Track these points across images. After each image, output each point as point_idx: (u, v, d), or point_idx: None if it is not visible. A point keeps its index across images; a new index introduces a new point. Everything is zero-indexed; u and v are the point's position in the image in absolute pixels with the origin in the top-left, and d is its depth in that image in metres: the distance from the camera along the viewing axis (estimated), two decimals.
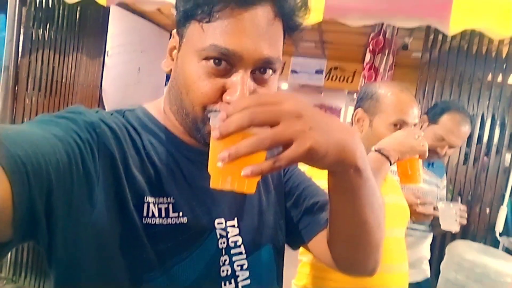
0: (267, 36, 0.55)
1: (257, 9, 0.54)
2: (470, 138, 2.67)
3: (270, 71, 0.57)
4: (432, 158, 1.70)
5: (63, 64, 2.86)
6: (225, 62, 0.54)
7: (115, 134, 0.55)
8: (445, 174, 1.94)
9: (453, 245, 1.75)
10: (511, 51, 2.48)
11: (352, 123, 1.32)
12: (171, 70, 0.62)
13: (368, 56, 2.79)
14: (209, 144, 0.47)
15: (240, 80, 0.53)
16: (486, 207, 2.66)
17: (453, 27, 1.58)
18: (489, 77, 2.55)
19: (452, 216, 1.54)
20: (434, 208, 1.59)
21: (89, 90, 3.02)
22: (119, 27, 3.38)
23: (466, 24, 1.59)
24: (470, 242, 2.01)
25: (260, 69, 0.56)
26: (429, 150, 1.66)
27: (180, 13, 0.56)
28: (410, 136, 1.10)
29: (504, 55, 2.51)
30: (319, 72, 5.02)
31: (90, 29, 2.92)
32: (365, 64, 2.87)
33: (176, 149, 0.62)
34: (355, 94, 5.72)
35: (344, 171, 0.48)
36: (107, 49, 3.14)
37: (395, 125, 1.20)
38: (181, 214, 0.57)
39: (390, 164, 1.09)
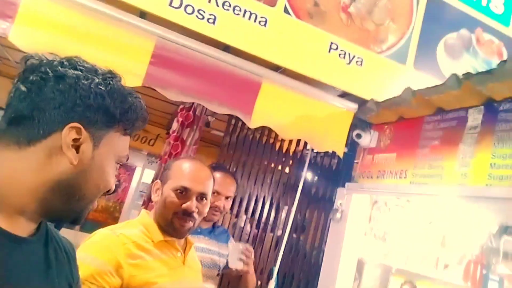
0: None
1: None
2: (252, 215, 3.02)
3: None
4: (216, 214, 1.78)
5: None
6: None
7: None
8: (231, 240, 2.01)
9: None
10: (289, 148, 3.04)
11: (151, 194, 1.31)
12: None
13: (175, 126, 2.87)
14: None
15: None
16: (258, 280, 2.97)
17: (254, 122, 1.83)
18: (272, 165, 3.02)
19: (238, 255, 1.66)
20: (217, 274, 1.71)
21: None
22: None
23: (263, 121, 1.87)
24: None
25: None
26: (210, 206, 1.71)
27: (105, 116, 0.65)
28: None
29: (284, 150, 3.05)
30: None
31: None
32: (171, 131, 2.93)
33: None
34: (154, 156, 5.75)
35: None
36: None
37: (179, 191, 1.21)
38: None
39: None
